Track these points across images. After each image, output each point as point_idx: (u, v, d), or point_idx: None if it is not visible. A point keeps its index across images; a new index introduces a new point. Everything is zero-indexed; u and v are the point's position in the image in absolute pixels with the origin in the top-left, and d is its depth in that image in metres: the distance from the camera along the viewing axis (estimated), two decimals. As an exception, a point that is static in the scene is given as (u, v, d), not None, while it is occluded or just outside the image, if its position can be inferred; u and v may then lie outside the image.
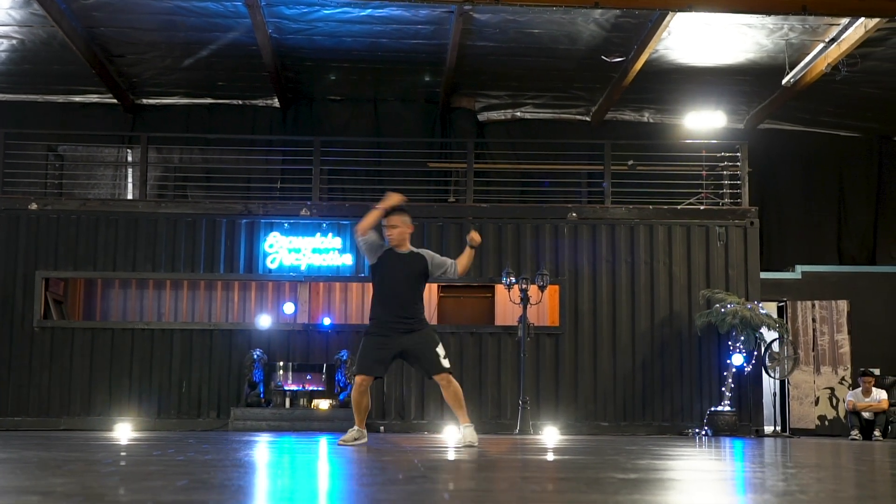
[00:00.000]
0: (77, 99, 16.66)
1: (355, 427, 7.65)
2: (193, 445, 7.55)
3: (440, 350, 7.48)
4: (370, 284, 15.36)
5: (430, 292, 15.81)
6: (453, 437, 10.58)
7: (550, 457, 6.33)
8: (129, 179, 16.49)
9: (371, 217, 7.54)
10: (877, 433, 13.43)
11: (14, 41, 14.28)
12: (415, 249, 7.67)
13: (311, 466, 5.22)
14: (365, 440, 7.66)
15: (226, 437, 9.99)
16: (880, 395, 13.82)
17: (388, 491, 3.61)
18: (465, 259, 7.62)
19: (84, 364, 14.06)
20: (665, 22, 12.75)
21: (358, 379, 7.45)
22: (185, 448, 7.01)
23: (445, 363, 7.46)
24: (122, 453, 6.25)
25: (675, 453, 7.04)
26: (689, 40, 13.77)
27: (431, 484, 3.89)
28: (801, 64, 13.64)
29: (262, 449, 7.20)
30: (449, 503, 3.17)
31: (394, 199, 7.60)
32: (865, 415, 13.72)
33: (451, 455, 6.46)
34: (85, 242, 14.38)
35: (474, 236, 7.61)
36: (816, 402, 15.60)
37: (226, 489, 3.58)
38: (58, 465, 4.82)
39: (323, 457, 6.27)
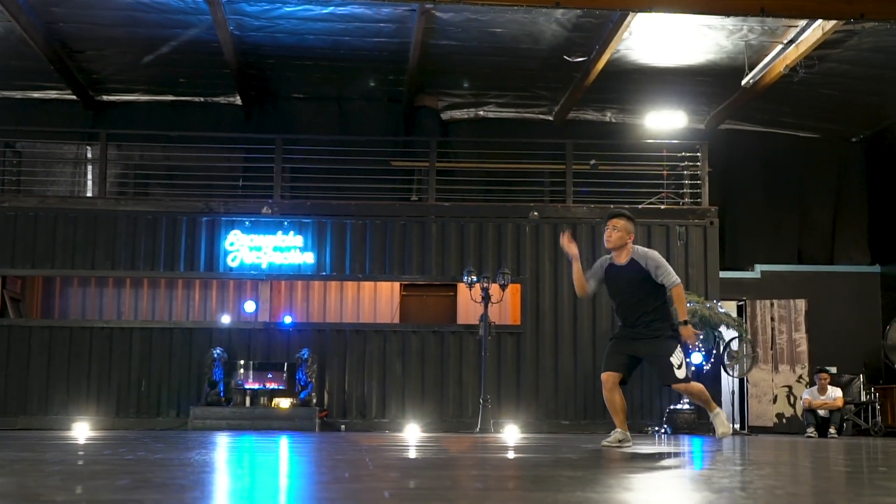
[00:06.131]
0: (36, 95, 16.48)
1: (618, 429, 7.41)
2: (147, 444, 7.50)
3: (674, 360, 7.22)
4: (332, 283, 15.53)
5: (393, 291, 15.81)
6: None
7: (505, 455, 6.35)
8: (89, 177, 16.33)
9: (576, 274, 7.44)
10: (832, 430, 13.58)
11: (-30, 36, 14.10)
12: (635, 256, 7.33)
13: (258, 464, 5.21)
14: (630, 443, 7.38)
15: (182, 436, 9.93)
16: (835, 393, 13.97)
17: (330, 489, 3.62)
18: (680, 304, 7.33)
19: (42, 362, 13.94)
20: (626, 22, 12.81)
21: (603, 376, 7.42)
22: (138, 447, 6.96)
23: (679, 373, 7.20)
24: (71, 453, 6.21)
25: (629, 451, 7.08)
26: (650, 41, 13.85)
27: (377, 482, 3.90)
28: (760, 65, 13.77)
29: (216, 448, 7.17)
30: (389, 501, 3.17)
31: (568, 246, 7.48)
32: (821, 412, 13.87)
33: (405, 454, 6.47)
34: (43, 240, 14.25)
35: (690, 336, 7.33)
36: (774, 400, 15.75)
37: (167, 488, 3.56)
38: (2, 465, 4.78)
39: (273, 455, 6.25)
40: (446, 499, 3.24)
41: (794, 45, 13.07)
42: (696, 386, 7.47)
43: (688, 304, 13.54)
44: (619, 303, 7.44)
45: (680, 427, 13.64)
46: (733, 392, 15.30)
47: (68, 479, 3.90)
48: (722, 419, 7.37)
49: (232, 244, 14.37)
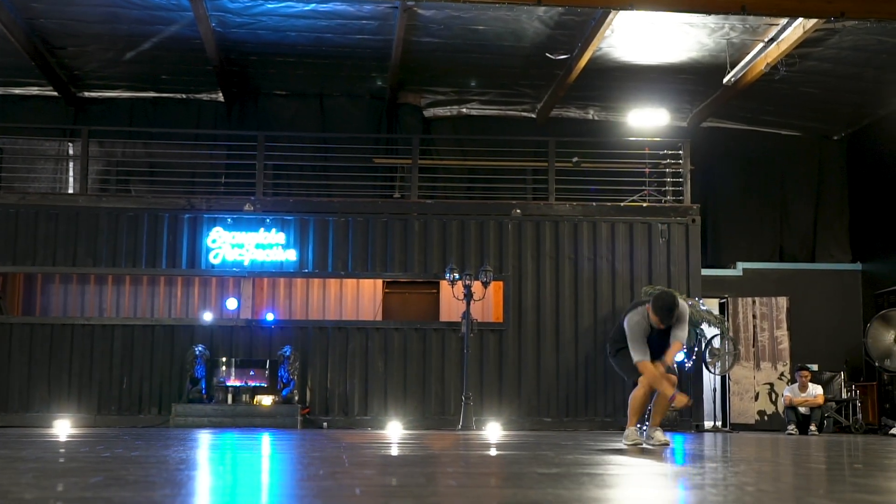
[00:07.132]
0: (17, 91, 16.40)
1: (636, 426, 7.87)
2: (126, 442, 7.48)
3: (667, 358, 7.83)
4: (314, 280, 15.48)
5: (375, 288, 15.80)
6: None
7: (484, 452, 6.36)
8: (71, 173, 16.25)
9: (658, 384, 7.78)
10: (812, 428, 13.63)
11: (-50, 32, 14.00)
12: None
13: (234, 462, 5.21)
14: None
15: (163, 434, 9.90)
16: (816, 391, 14.03)
17: (302, 486, 3.62)
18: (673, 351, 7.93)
19: (23, 360, 13.88)
20: (608, 20, 12.83)
21: (649, 366, 7.64)
22: (116, 445, 6.94)
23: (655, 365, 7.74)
24: (49, 450, 6.18)
25: (608, 448, 7.11)
26: (632, 38, 13.87)
27: (350, 479, 3.90)
28: (741, 63, 13.81)
29: (195, 445, 7.15)
30: (359, 498, 3.18)
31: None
32: (802, 409, 13.92)
33: (383, 451, 6.47)
34: (24, 237, 14.19)
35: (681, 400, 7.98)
36: (756, 398, 15.81)
37: (139, 485, 3.55)
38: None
39: (251, 453, 6.24)
40: (418, 495, 3.25)
41: (775, 43, 13.11)
42: (671, 392, 7.77)
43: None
44: (652, 350, 7.75)
45: (662, 424, 13.63)
46: (715, 389, 15.35)
47: (41, 477, 3.89)
48: (633, 432, 7.88)
49: (214, 241, 14.33)
